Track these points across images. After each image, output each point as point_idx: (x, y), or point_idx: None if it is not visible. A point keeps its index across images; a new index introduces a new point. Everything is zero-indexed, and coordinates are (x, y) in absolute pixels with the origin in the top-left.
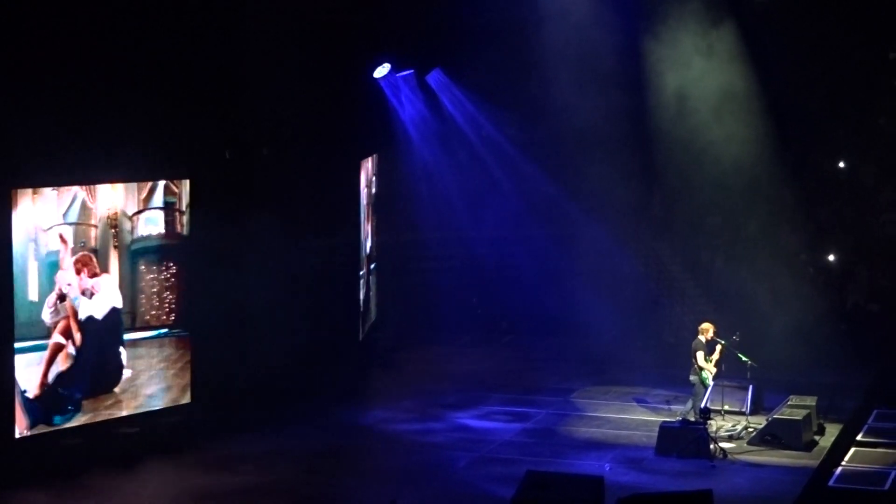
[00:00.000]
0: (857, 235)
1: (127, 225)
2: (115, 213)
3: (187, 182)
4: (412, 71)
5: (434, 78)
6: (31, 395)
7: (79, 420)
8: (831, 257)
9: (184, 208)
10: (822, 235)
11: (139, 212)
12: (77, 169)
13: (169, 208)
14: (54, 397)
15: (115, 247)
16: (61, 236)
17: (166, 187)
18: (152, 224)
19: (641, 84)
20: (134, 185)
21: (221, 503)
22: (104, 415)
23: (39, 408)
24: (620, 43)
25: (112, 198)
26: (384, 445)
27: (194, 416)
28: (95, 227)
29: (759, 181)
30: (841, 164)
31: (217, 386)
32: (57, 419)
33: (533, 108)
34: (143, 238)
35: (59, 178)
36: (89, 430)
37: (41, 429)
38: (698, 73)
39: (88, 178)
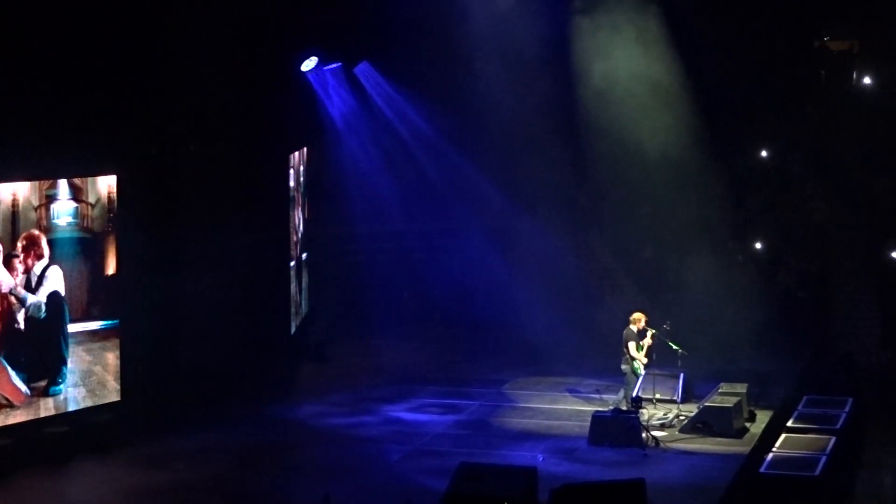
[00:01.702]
0: (786, 223)
1: (33, 215)
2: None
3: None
4: (340, 64)
5: (362, 71)
6: None
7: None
8: (758, 245)
9: (92, 201)
10: (751, 223)
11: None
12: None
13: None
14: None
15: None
16: None
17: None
18: (65, 216)
19: (569, 74)
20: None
21: (154, 501)
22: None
23: None
24: (547, 33)
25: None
26: (317, 440)
27: (124, 413)
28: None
29: (687, 170)
30: (764, 154)
31: (147, 383)
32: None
33: (461, 100)
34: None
35: None
36: (17, 429)
37: None
38: (625, 62)
39: (7, 173)
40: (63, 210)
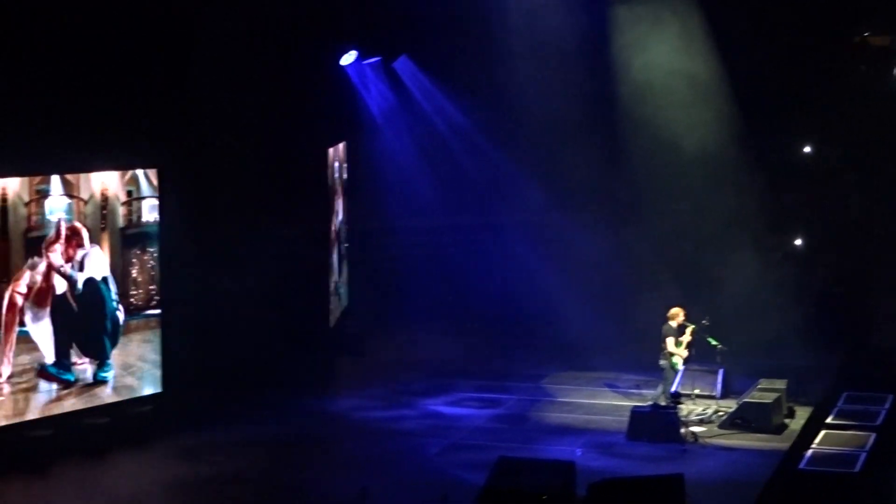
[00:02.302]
0: (824, 219)
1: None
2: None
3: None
4: (379, 58)
5: (401, 65)
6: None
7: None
8: (798, 241)
9: (85, 198)
10: (789, 219)
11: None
12: (44, 159)
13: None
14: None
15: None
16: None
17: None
18: (58, 212)
19: (607, 68)
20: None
21: (191, 493)
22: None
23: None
24: (586, 27)
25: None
26: (354, 433)
27: (164, 405)
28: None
29: (725, 166)
30: (802, 149)
31: (186, 375)
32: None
33: (499, 94)
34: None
35: (18, 168)
36: (58, 420)
37: (10, 420)
38: (664, 56)
39: (50, 167)
40: (56, 206)
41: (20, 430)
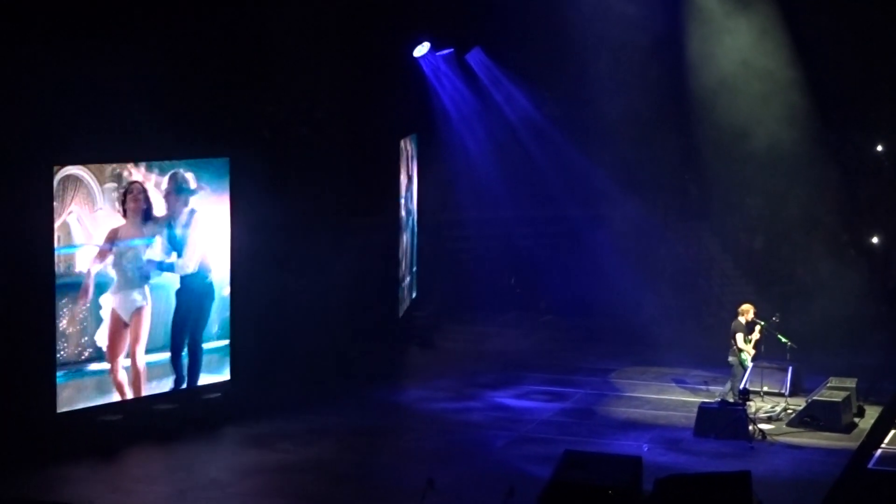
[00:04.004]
0: None
1: None
2: None
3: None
4: (452, 50)
5: (474, 57)
6: None
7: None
8: (875, 239)
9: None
10: (863, 216)
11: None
12: (116, 146)
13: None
14: None
15: None
16: None
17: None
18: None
19: (681, 62)
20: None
21: (260, 480)
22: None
23: None
24: (659, 21)
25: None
26: (422, 424)
27: (233, 393)
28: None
29: (799, 162)
30: (877, 146)
31: (255, 364)
32: None
33: (571, 87)
34: None
35: (97, 156)
36: (128, 406)
37: (80, 404)
38: (737, 51)
39: (127, 155)
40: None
41: (91, 415)
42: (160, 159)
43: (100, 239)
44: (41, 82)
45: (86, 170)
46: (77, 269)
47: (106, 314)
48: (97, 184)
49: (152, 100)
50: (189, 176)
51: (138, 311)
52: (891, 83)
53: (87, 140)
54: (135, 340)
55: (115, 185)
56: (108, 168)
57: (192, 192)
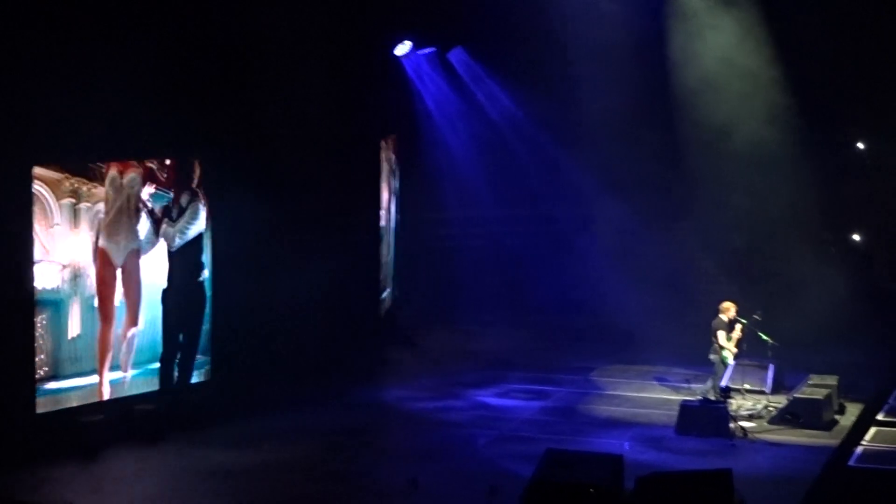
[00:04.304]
0: (880, 214)
1: None
2: None
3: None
4: (433, 49)
5: (456, 56)
6: None
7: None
8: (857, 237)
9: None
10: (845, 215)
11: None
12: (94, 146)
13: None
14: None
15: None
16: None
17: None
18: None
19: (663, 60)
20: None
21: (242, 480)
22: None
23: None
24: (642, 19)
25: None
26: (404, 423)
27: (214, 393)
28: None
29: (781, 161)
30: (859, 144)
31: (237, 363)
32: None
33: (554, 86)
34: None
35: (76, 156)
36: (108, 406)
37: (60, 405)
38: (720, 50)
39: (105, 155)
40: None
41: (71, 416)
42: (134, 159)
43: (58, 255)
44: (17, 82)
45: (43, 185)
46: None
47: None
48: (54, 199)
49: (131, 100)
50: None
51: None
52: (871, 80)
53: (66, 141)
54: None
55: (72, 200)
56: (66, 183)
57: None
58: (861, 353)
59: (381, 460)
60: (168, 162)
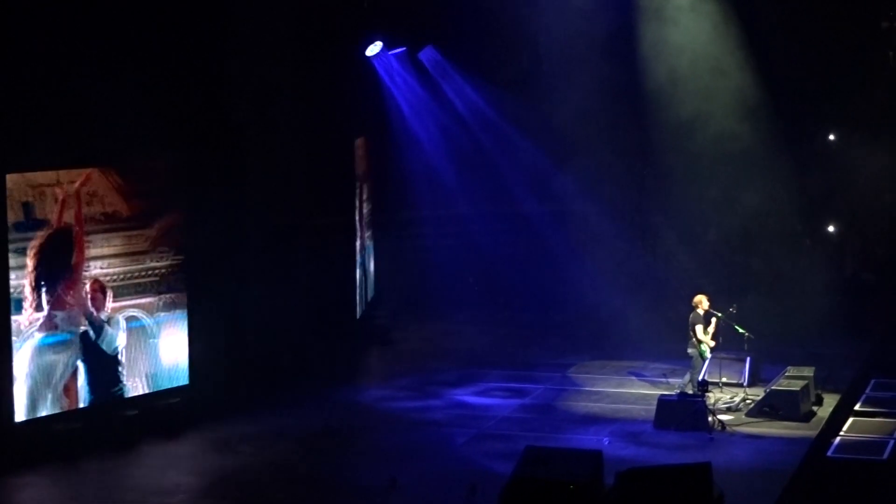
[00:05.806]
0: (852, 206)
1: None
2: None
3: None
4: (405, 49)
5: (427, 55)
6: None
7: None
8: (830, 228)
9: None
10: (817, 206)
11: None
12: (66, 152)
13: None
14: None
15: None
16: None
17: None
18: None
19: (634, 55)
20: None
21: (221, 485)
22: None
23: None
24: (612, 15)
25: None
26: (383, 423)
27: (192, 397)
28: None
29: (753, 153)
30: (830, 136)
31: (215, 367)
32: None
33: (526, 84)
34: None
35: (49, 162)
36: (87, 413)
37: (39, 413)
38: (691, 44)
39: (77, 160)
40: None
41: (49, 423)
42: (109, 163)
43: None
44: None
45: None
46: None
47: None
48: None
49: (104, 101)
50: None
51: None
52: (842, 73)
53: (38, 145)
54: None
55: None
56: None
57: None
58: (837, 343)
59: (360, 461)
60: None
